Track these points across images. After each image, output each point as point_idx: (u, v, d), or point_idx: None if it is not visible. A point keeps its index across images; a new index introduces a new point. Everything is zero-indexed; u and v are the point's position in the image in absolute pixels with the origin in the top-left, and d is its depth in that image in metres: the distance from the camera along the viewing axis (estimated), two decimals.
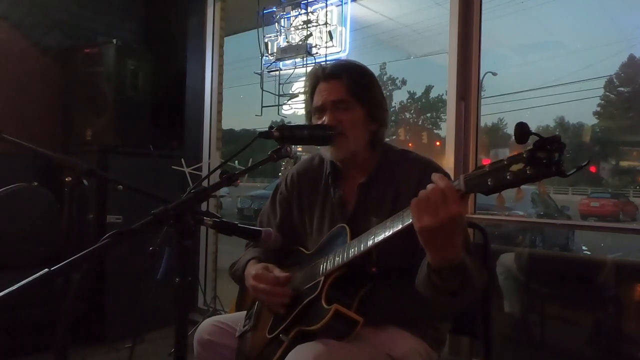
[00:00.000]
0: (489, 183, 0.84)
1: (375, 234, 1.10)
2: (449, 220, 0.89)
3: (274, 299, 1.26)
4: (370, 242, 1.11)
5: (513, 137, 0.80)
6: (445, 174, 1.34)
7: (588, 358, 2.37)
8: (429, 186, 0.94)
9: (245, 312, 1.48)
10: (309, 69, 3.03)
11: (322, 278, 1.20)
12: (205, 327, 1.43)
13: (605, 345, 2.32)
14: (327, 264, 1.21)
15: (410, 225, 0.98)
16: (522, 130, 0.79)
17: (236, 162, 2.80)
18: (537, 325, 2.53)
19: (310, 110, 1.40)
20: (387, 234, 1.06)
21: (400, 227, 1.02)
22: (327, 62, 1.41)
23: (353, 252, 1.15)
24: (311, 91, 1.39)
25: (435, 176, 0.95)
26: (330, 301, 1.13)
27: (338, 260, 1.18)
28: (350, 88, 1.32)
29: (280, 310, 1.27)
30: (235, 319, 1.46)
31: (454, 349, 2.25)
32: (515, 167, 0.80)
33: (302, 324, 1.19)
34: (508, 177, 0.81)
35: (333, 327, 1.11)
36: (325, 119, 1.32)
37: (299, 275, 1.34)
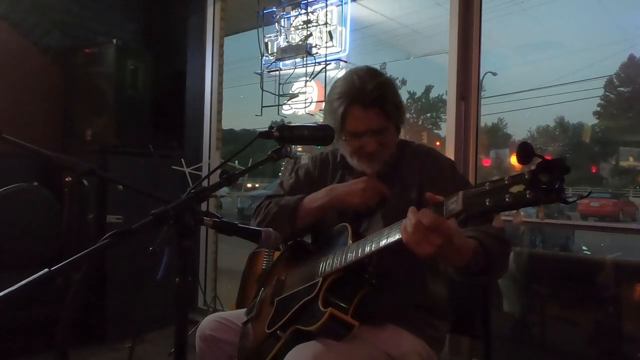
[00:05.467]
0: (487, 203, 0.82)
1: (373, 240, 1.11)
2: (445, 243, 0.93)
3: (373, 188, 1.28)
4: (367, 249, 1.11)
5: (515, 141, 0.79)
6: (447, 161, 1.40)
7: (588, 358, 2.37)
8: (414, 219, 0.94)
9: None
10: (309, 69, 3.03)
11: (321, 279, 1.20)
12: (207, 323, 1.44)
13: (605, 345, 2.32)
14: (326, 266, 1.22)
15: None
16: (525, 150, 0.76)
17: (236, 162, 2.80)
18: (537, 325, 2.53)
19: (339, 127, 1.31)
20: (385, 242, 1.06)
21: (398, 237, 1.02)
22: (363, 78, 1.29)
23: (351, 256, 1.15)
24: (344, 110, 1.29)
25: (420, 212, 0.95)
26: (326, 304, 1.14)
27: (337, 263, 1.19)
28: (390, 114, 1.31)
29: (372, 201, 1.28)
30: (237, 315, 1.47)
31: (454, 349, 2.25)
32: (515, 189, 0.77)
33: (299, 322, 1.19)
34: (507, 199, 0.78)
35: (329, 329, 1.12)
36: (365, 144, 1.30)
37: (298, 272, 1.35)
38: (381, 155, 1.34)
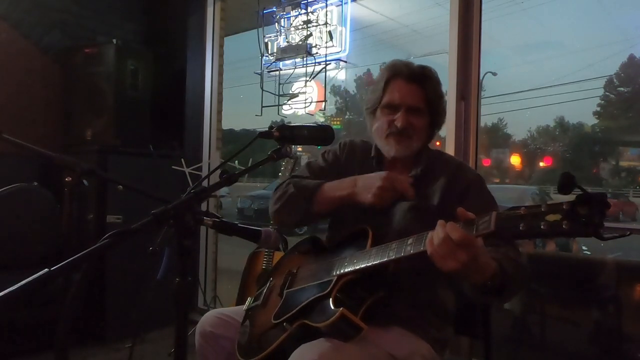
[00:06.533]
0: (520, 228, 0.80)
1: (396, 248, 1.10)
2: (470, 261, 0.92)
3: (392, 189, 1.28)
4: (389, 256, 1.11)
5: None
6: (476, 176, 1.39)
7: (588, 358, 2.37)
8: (443, 233, 0.94)
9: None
10: (309, 69, 3.03)
11: (335, 278, 1.20)
12: (207, 319, 1.44)
13: (605, 345, 2.32)
14: (343, 265, 1.22)
15: None
16: (567, 181, 0.75)
17: (236, 162, 2.80)
18: (537, 325, 2.53)
19: (378, 99, 1.40)
20: (408, 252, 1.06)
21: (422, 248, 1.02)
22: (413, 63, 1.42)
23: (370, 261, 1.15)
24: (385, 83, 1.39)
25: (449, 226, 0.94)
26: (338, 303, 1.14)
27: (354, 264, 1.19)
28: (428, 97, 1.36)
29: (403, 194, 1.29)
30: (238, 311, 1.47)
31: (454, 349, 2.24)
32: (551, 217, 0.76)
33: (308, 318, 1.19)
34: (542, 226, 0.77)
35: (337, 328, 1.12)
36: (397, 118, 1.35)
37: (312, 267, 1.35)
38: (409, 140, 1.36)
